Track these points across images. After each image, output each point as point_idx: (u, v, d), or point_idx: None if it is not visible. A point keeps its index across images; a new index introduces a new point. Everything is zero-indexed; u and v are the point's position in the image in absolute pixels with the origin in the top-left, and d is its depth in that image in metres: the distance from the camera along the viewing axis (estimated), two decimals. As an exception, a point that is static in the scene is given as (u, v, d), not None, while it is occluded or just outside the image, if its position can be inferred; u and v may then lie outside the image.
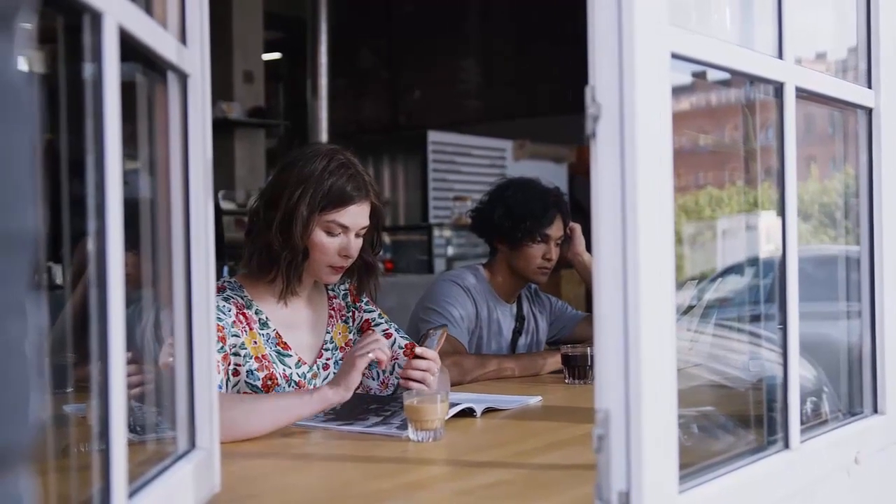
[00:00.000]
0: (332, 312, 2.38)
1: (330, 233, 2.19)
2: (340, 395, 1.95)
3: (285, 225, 2.16)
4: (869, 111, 1.79)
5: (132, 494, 1.08)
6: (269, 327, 2.23)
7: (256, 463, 1.76)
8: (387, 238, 7.62)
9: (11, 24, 0.55)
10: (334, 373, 2.29)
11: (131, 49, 1.10)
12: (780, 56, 1.50)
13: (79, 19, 0.98)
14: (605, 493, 1.17)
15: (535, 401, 2.35)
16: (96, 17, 0.97)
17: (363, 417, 2.05)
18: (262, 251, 2.20)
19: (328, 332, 2.35)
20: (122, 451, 1.01)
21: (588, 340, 2.92)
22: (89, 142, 0.99)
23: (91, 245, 0.99)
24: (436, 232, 7.34)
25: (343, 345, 2.37)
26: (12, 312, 0.54)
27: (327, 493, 1.58)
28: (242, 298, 2.22)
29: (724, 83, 1.70)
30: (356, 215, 2.20)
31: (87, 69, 0.99)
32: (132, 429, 1.21)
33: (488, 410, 2.18)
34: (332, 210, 2.17)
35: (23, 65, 0.57)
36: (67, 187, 1.02)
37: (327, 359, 2.33)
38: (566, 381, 2.67)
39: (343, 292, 2.42)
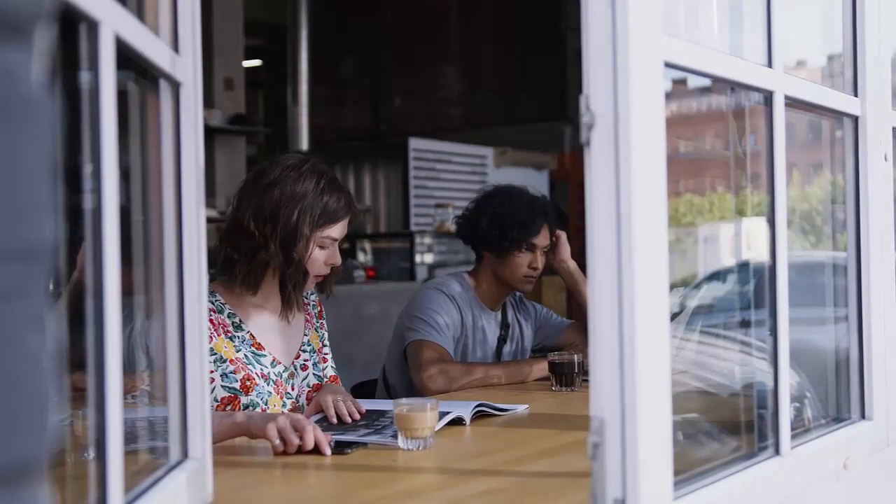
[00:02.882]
0: (308, 317, 2.45)
1: (322, 247, 2.27)
2: (246, 426, 1.92)
3: (287, 244, 2.22)
4: (855, 119, 1.81)
5: (127, 505, 1.07)
6: (243, 330, 2.27)
7: (248, 472, 1.75)
8: (368, 245, 7.60)
9: (30, 37, 0.55)
10: (313, 374, 2.38)
11: (125, 57, 1.09)
12: (770, 65, 1.51)
13: (75, 27, 0.97)
14: (600, 500, 1.17)
15: (522, 409, 2.35)
16: (93, 26, 0.97)
17: (354, 429, 2.04)
18: (260, 269, 2.24)
19: (305, 335, 2.41)
20: (119, 461, 1.00)
21: (573, 347, 2.92)
22: (85, 149, 0.98)
23: (87, 253, 0.98)
24: (417, 239, 7.32)
25: (318, 350, 2.43)
26: (32, 324, 0.54)
27: (319, 503, 1.57)
28: (213, 303, 2.24)
29: (703, 90, 1.71)
30: (344, 227, 2.31)
31: (83, 77, 0.99)
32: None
33: (479, 414, 2.19)
34: (328, 226, 2.26)
35: (40, 76, 0.56)
36: (61, 196, 1.01)
37: (305, 360, 2.38)
38: (553, 388, 2.67)
39: (312, 302, 2.49)
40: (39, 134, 0.55)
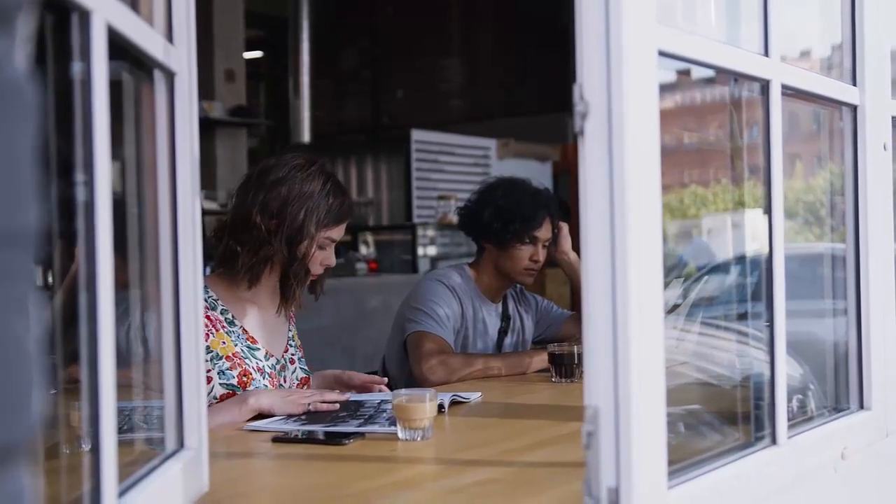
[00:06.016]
0: (291, 314, 2.49)
1: (322, 247, 2.31)
2: (260, 405, 2.11)
3: (292, 241, 2.25)
4: (854, 108, 1.80)
5: (122, 494, 1.07)
6: (235, 325, 2.30)
7: (244, 463, 1.76)
8: (370, 238, 7.61)
9: (12, 24, 0.55)
10: (300, 367, 2.44)
11: (118, 47, 1.09)
12: (766, 53, 1.51)
13: (66, 17, 0.97)
14: (594, 489, 1.17)
15: (476, 396, 2.37)
16: (84, 15, 0.97)
17: (344, 420, 2.04)
18: (262, 263, 2.27)
19: (290, 331, 2.46)
20: (113, 450, 1.00)
21: (574, 339, 2.92)
22: (77, 141, 0.98)
23: (80, 246, 0.99)
24: (420, 231, 7.32)
25: (298, 346, 2.49)
26: (16, 309, 0.55)
27: (316, 493, 1.58)
28: (206, 300, 2.25)
29: (708, 81, 1.71)
30: (343, 230, 2.36)
31: (75, 67, 0.99)
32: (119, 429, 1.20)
33: (454, 403, 2.23)
34: (331, 227, 2.30)
35: (24, 63, 0.56)
36: (54, 187, 1.01)
37: (292, 354, 2.44)
38: (553, 379, 2.67)
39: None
40: (22, 120, 0.55)
